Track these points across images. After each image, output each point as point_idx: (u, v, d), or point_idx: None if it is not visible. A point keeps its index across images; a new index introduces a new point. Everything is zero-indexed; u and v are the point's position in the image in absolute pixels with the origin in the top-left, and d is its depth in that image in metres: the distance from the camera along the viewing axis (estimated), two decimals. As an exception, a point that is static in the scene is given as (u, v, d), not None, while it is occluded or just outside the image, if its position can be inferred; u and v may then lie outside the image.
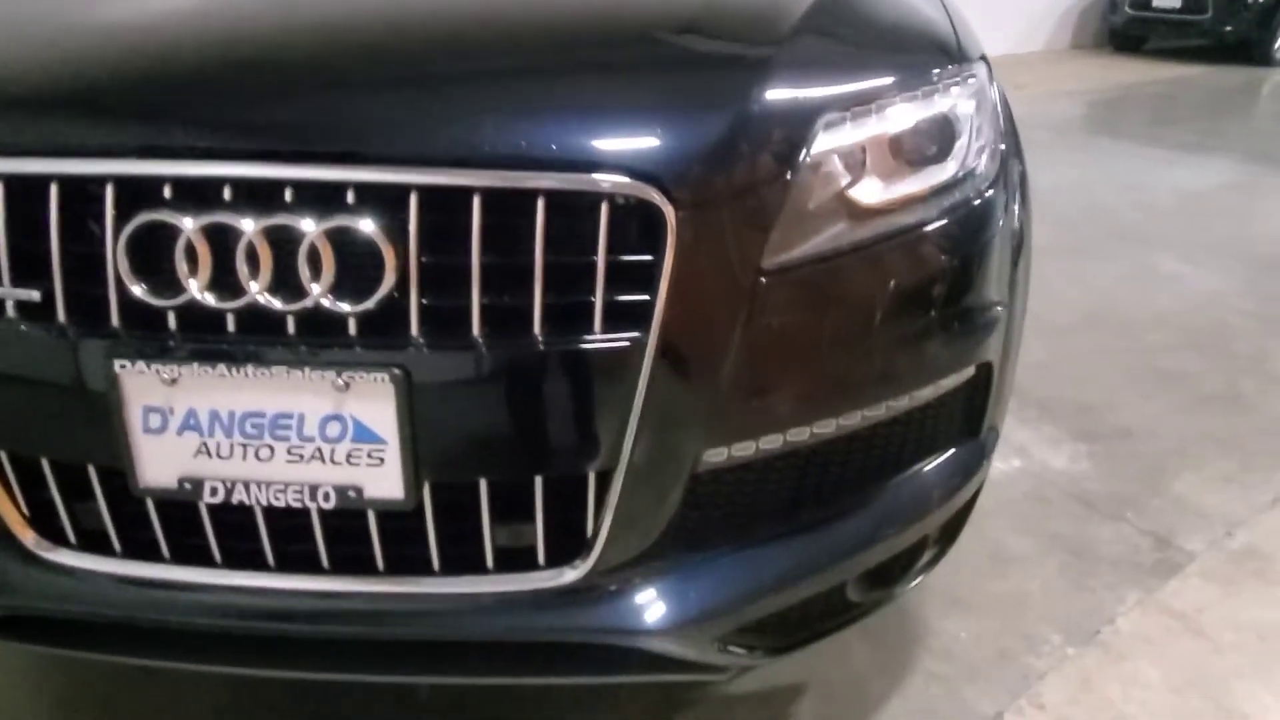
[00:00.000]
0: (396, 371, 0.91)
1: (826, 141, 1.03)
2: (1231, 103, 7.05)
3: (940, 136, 1.14)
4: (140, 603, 1.05)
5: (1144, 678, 1.55)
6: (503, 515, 1.02)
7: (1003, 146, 1.26)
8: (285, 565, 1.04)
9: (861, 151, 1.06)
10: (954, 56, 1.21)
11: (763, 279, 0.99)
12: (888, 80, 1.11)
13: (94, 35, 1.07)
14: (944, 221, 1.13)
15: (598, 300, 0.94)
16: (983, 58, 1.29)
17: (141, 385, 0.93)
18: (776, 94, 1.02)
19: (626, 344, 0.95)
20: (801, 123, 1.02)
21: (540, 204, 0.91)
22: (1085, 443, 2.27)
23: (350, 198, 0.91)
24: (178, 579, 1.04)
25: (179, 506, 1.01)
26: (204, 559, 1.04)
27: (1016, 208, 1.29)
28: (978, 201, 1.17)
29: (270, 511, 1.00)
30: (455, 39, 1.08)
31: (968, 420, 1.28)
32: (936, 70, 1.17)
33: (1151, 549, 1.88)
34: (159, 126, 0.94)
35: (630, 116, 0.97)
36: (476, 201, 0.91)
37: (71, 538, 1.05)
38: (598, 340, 0.94)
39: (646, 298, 0.94)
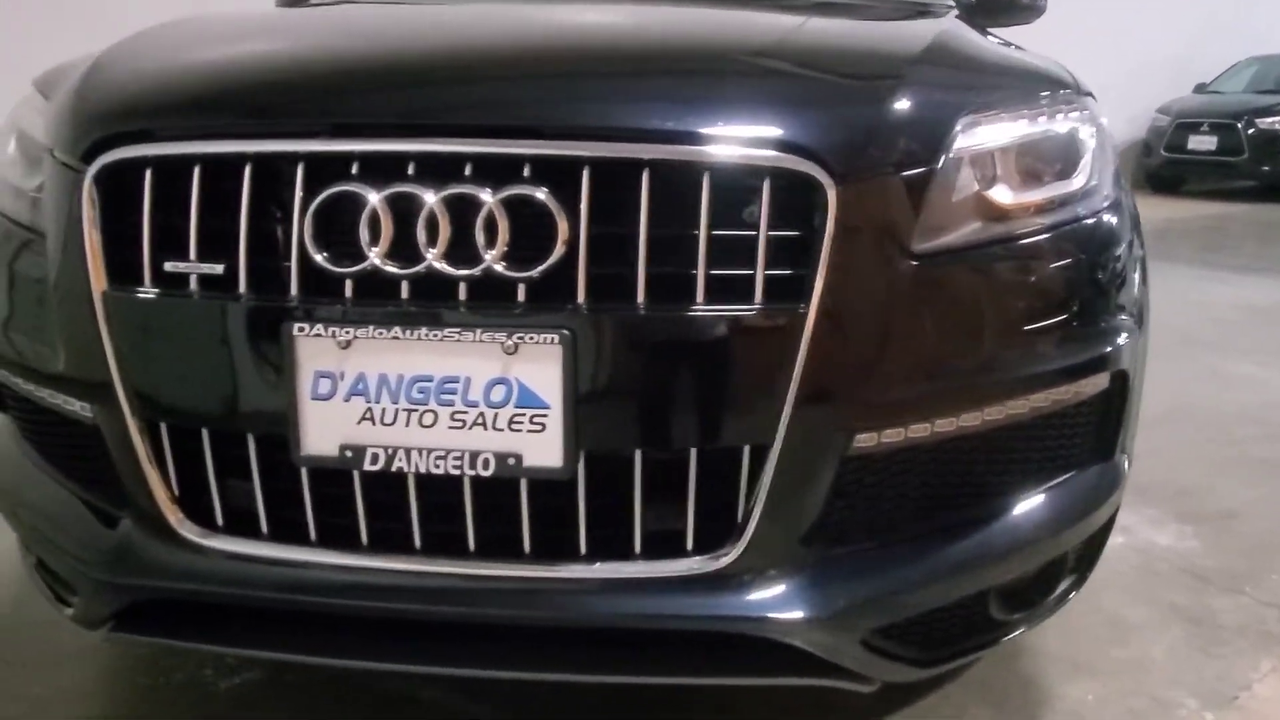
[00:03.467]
0: (565, 333, 0.94)
1: (966, 140, 1.08)
2: (1276, 234, 7.12)
3: (1066, 152, 1.20)
4: (281, 585, 1.05)
5: (1295, 740, 1.44)
6: (655, 494, 1.01)
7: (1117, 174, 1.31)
8: (432, 548, 1.03)
9: (997, 155, 1.12)
10: (1071, 87, 1.28)
11: (913, 261, 1.02)
12: (1017, 95, 1.18)
13: (293, 38, 1.18)
14: (1074, 227, 1.16)
15: (759, 272, 0.96)
16: (1092, 95, 1.36)
17: (316, 349, 0.96)
18: (922, 93, 1.09)
19: (786, 316, 0.97)
20: (945, 119, 1.07)
21: (706, 178, 0.96)
22: (1190, 523, 2.19)
23: (526, 171, 0.96)
24: (322, 561, 1.04)
25: (331, 485, 1.02)
26: (350, 542, 1.04)
27: (1135, 234, 1.33)
28: (1104, 215, 1.21)
29: (423, 486, 1.00)
30: (639, 30, 1.19)
31: (1102, 438, 1.26)
32: (1061, 93, 1.24)
33: (1279, 621, 1.78)
34: (351, 110, 1.01)
35: (796, 101, 1.03)
36: (646, 174, 0.95)
37: (220, 519, 1.06)
38: (758, 311, 0.96)
39: (806, 271, 0.97)
